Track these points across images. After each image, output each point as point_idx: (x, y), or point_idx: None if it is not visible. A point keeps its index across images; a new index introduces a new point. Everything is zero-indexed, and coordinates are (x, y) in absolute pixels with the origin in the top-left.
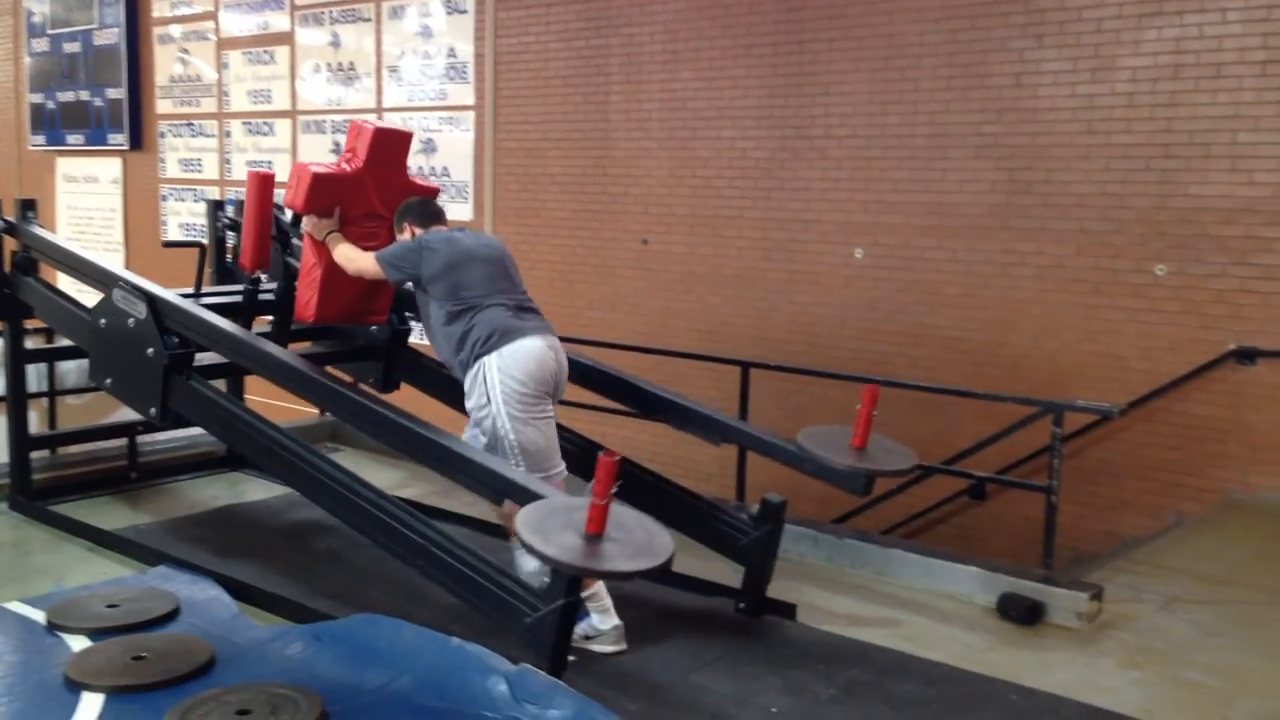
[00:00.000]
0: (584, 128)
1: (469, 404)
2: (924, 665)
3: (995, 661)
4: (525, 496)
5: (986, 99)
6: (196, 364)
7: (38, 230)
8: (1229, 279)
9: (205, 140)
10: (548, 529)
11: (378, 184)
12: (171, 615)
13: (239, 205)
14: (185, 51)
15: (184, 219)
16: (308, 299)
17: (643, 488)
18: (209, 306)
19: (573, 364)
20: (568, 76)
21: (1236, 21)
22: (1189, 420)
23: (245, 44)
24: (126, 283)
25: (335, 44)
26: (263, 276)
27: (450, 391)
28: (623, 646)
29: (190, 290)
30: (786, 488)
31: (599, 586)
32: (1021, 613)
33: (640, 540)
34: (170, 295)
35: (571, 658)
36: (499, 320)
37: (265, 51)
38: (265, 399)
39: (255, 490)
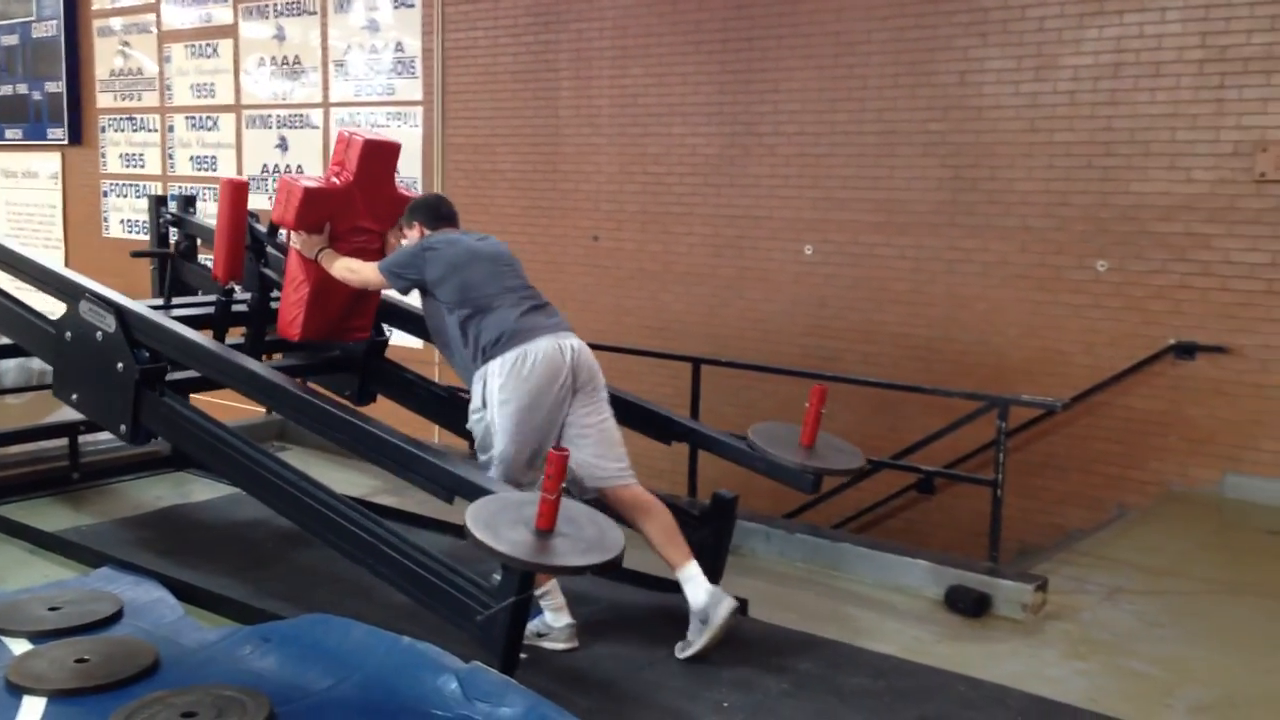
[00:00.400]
0: (534, 124)
1: (470, 405)
2: (873, 658)
3: (943, 653)
4: (474, 492)
5: (933, 97)
6: (168, 378)
7: None
8: (1169, 275)
9: (147, 135)
10: (498, 525)
11: (367, 197)
12: (115, 618)
13: (182, 200)
14: (126, 44)
15: (126, 215)
16: (293, 317)
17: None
18: (180, 319)
19: None
20: (517, 72)
21: (1175, 20)
22: (1130, 414)
23: (188, 37)
24: (93, 294)
25: (280, 37)
26: (236, 287)
27: (428, 404)
28: (575, 644)
29: (159, 301)
30: (738, 483)
31: (552, 584)
32: (969, 605)
33: (591, 535)
34: (140, 307)
35: (524, 655)
36: (508, 321)
37: (208, 45)
38: (209, 398)
39: (201, 490)
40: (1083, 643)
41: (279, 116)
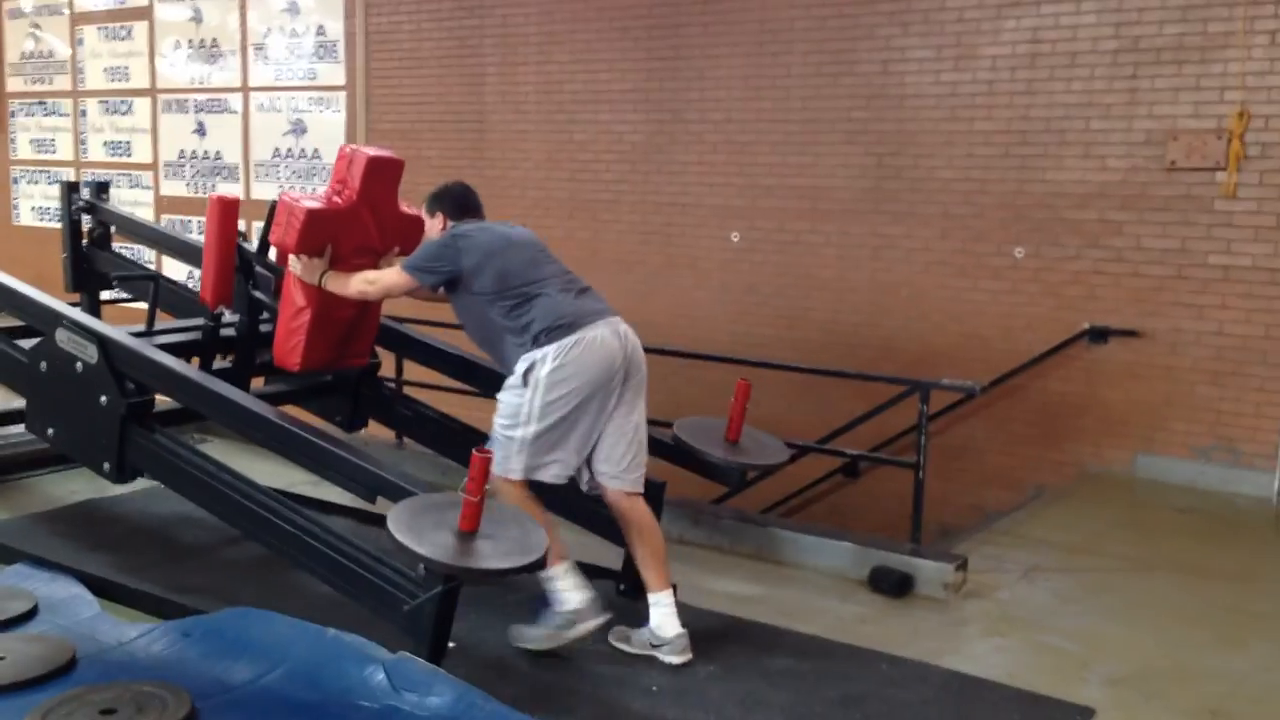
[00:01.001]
0: (459, 110)
1: (506, 382)
2: (799, 639)
3: (867, 632)
4: (396, 492)
5: (856, 85)
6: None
7: None
8: (1083, 261)
9: (59, 119)
10: (421, 527)
11: (374, 218)
12: (30, 614)
13: (95, 187)
14: (37, 27)
15: (37, 202)
16: (292, 345)
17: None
18: (165, 346)
19: (421, 345)
20: (441, 57)
21: (1090, 12)
22: (1047, 397)
23: (101, 19)
24: (72, 322)
25: (197, 19)
26: (225, 312)
27: (420, 428)
28: (689, 656)
29: (141, 328)
30: (666, 470)
31: (666, 594)
32: (891, 585)
33: (515, 537)
34: (123, 336)
35: (452, 644)
36: (561, 306)
37: (122, 27)
38: None
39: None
40: (1001, 620)
41: (196, 101)
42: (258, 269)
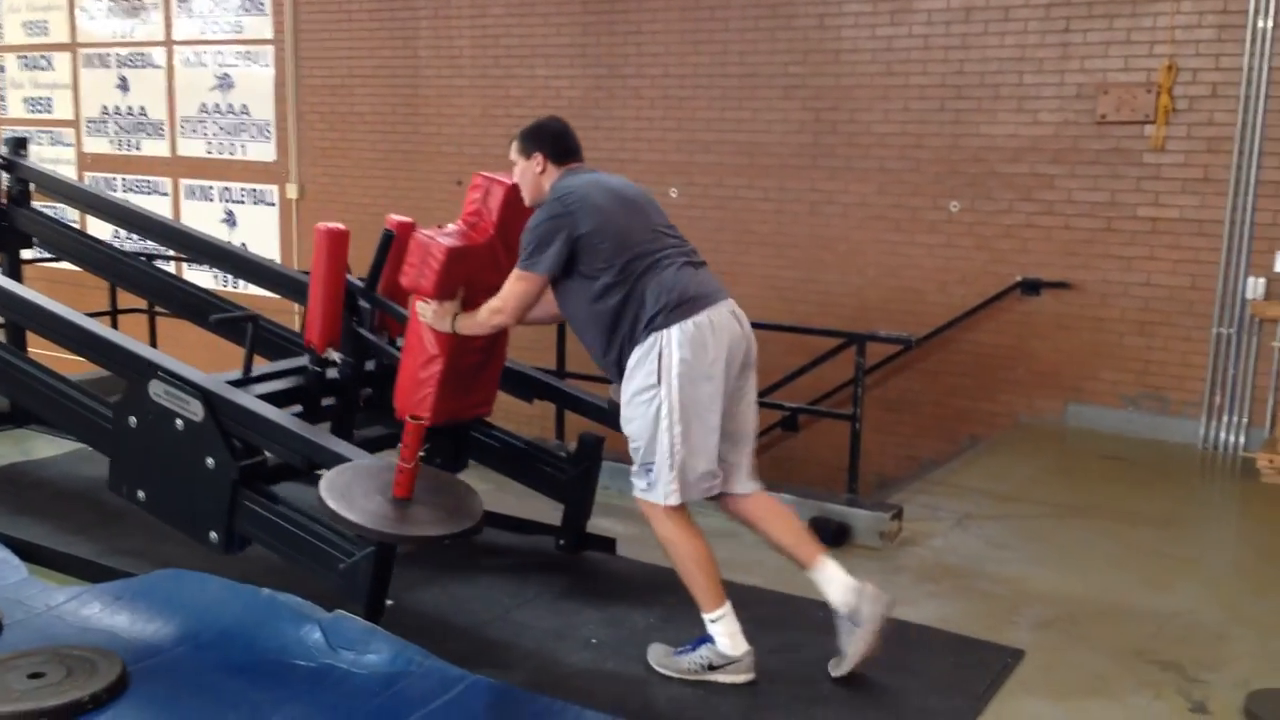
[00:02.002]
0: (392, 64)
1: (628, 387)
2: (737, 589)
3: (804, 581)
4: (331, 459)
5: (793, 40)
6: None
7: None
8: (1015, 215)
9: None
10: (353, 494)
11: (508, 254)
12: None
13: (13, 143)
14: None
15: None
16: (421, 397)
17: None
18: (268, 396)
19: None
20: (373, 10)
21: None
22: (980, 349)
23: None
24: (170, 374)
25: None
26: (335, 356)
27: (517, 463)
28: (752, 675)
29: (238, 374)
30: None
31: (728, 606)
32: (829, 535)
33: (450, 503)
34: (230, 391)
35: (390, 602)
36: (680, 282)
37: None
38: (50, 352)
39: (44, 447)
40: (935, 567)
41: (119, 56)
42: (361, 303)
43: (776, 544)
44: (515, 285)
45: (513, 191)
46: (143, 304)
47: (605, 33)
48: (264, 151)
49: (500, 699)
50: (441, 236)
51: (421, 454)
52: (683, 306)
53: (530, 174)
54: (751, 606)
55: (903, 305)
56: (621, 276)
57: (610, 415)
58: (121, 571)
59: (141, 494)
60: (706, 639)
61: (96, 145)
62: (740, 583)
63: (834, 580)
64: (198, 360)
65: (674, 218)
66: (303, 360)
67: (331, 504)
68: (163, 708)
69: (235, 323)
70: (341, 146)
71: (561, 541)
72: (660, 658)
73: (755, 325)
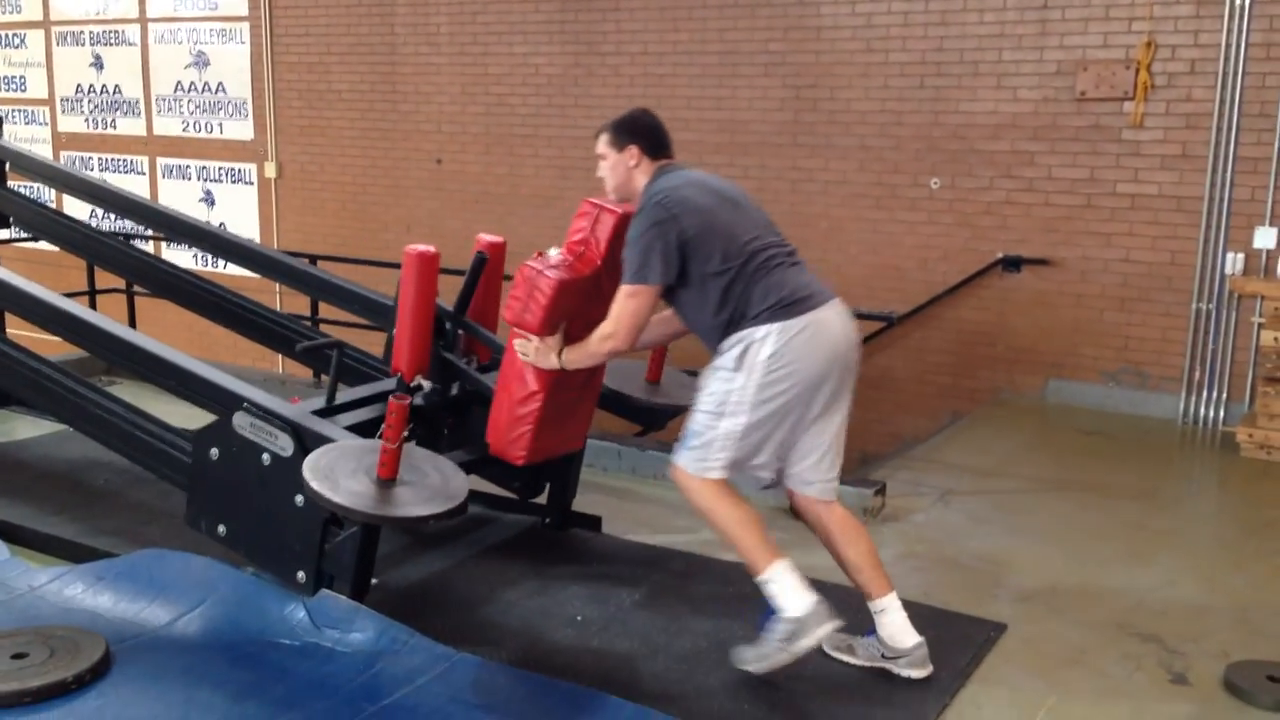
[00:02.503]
0: (369, 41)
1: (711, 364)
2: (722, 566)
3: (790, 558)
4: (315, 440)
5: (772, 16)
6: None
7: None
8: (996, 191)
9: None
10: (337, 474)
11: (613, 285)
12: None
13: None
14: None
15: None
16: (517, 435)
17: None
18: (354, 427)
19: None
20: None
21: None
22: (962, 326)
23: None
24: (258, 407)
25: None
26: (424, 384)
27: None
28: (836, 622)
29: (320, 402)
30: None
31: (782, 565)
32: None
33: (435, 483)
34: (315, 422)
35: (375, 580)
36: (789, 281)
37: None
38: (28, 332)
39: (24, 428)
40: (918, 541)
41: (93, 33)
42: (446, 326)
43: (846, 563)
44: (626, 303)
45: (623, 221)
46: (121, 284)
47: (584, 9)
48: (241, 130)
49: (486, 676)
50: (548, 269)
51: (405, 434)
52: (789, 306)
53: (623, 167)
54: (736, 583)
55: (884, 282)
56: (736, 277)
57: (629, 407)
58: (104, 552)
59: (222, 529)
60: (769, 613)
61: (71, 124)
62: (724, 559)
63: (898, 619)
64: (179, 340)
65: None
66: (386, 386)
67: (315, 485)
68: (146, 687)
69: (319, 350)
70: (319, 124)
71: (547, 520)
72: (744, 656)
73: None
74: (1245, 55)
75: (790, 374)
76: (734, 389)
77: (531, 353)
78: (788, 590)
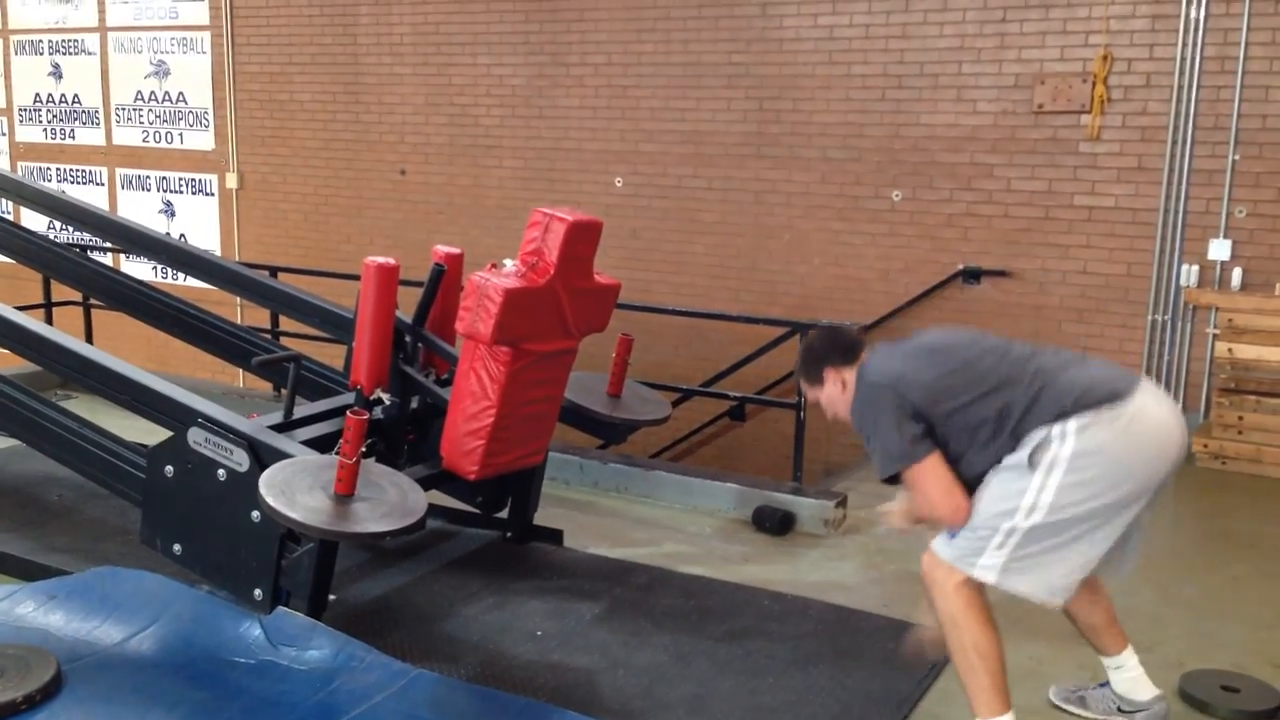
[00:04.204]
0: (332, 51)
1: (1006, 461)
2: (684, 579)
3: (750, 571)
4: (271, 455)
5: (736, 28)
6: None
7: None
8: (956, 204)
9: None
10: (293, 490)
11: (569, 295)
12: None
13: None
14: None
15: None
16: (470, 449)
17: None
18: (312, 442)
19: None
20: None
21: None
22: None
23: None
24: (213, 421)
25: None
26: (384, 397)
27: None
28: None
29: (278, 417)
30: None
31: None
32: (774, 524)
33: (393, 499)
34: (272, 437)
35: (332, 596)
36: (1077, 379)
37: None
38: None
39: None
40: (878, 554)
41: (51, 42)
42: (406, 339)
43: (1087, 624)
44: (923, 481)
45: (574, 229)
46: (78, 297)
47: (548, 20)
48: (202, 140)
49: (443, 692)
50: (499, 278)
51: (364, 449)
52: (1092, 399)
53: (837, 396)
54: (698, 596)
55: (847, 294)
56: (994, 400)
57: (590, 421)
58: (56, 569)
59: (177, 548)
60: (1105, 683)
61: (29, 134)
62: (685, 572)
63: (1136, 674)
64: (137, 354)
65: (618, 207)
66: (345, 400)
67: (271, 501)
68: (98, 707)
69: (277, 364)
70: (281, 135)
71: (508, 534)
72: None
73: (700, 315)
74: (1200, 69)
75: (1103, 469)
76: (1028, 487)
77: (894, 521)
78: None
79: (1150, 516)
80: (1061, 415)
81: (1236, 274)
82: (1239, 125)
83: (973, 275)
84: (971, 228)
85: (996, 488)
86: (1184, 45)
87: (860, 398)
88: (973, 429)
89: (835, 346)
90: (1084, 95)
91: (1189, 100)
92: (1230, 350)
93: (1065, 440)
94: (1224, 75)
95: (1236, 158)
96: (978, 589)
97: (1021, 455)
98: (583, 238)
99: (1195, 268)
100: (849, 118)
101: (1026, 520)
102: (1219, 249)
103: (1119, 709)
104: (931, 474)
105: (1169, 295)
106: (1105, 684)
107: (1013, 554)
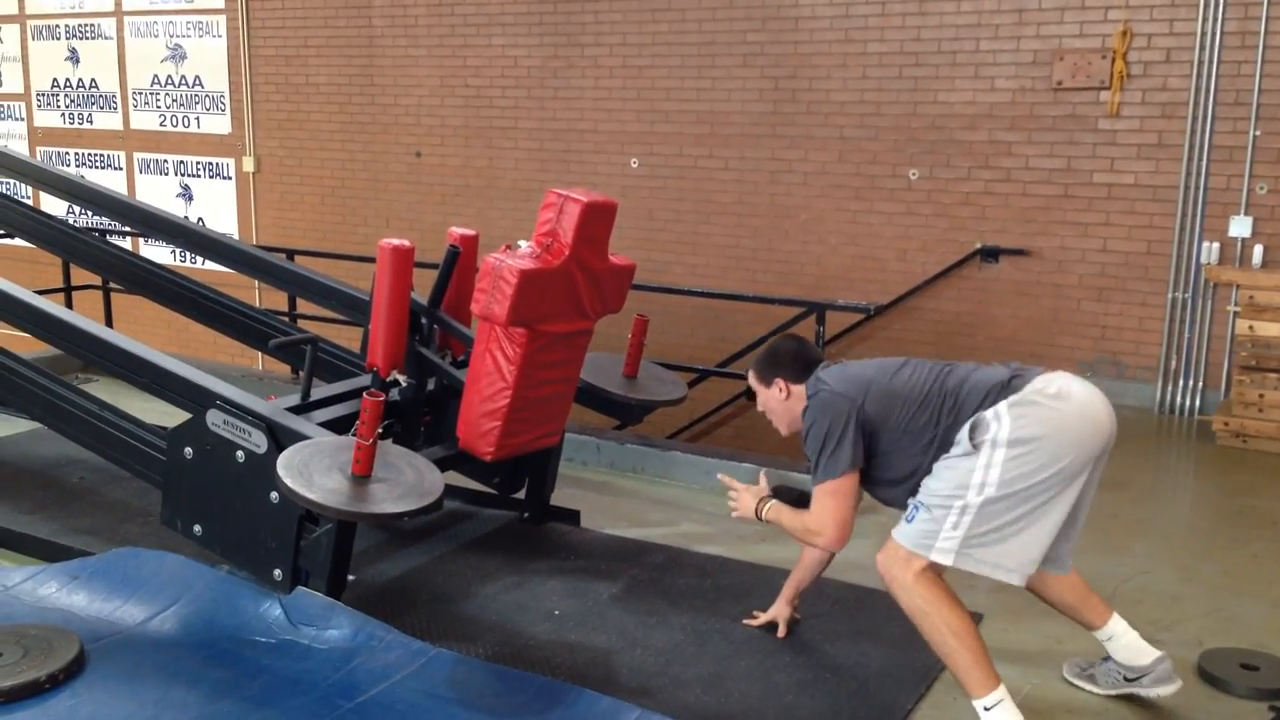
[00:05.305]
0: (347, 34)
1: (949, 453)
2: (700, 559)
3: (765, 551)
4: (288, 436)
5: (751, 6)
6: None
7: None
8: (974, 182)
9: None
10: (311, 471)
11: (585, 276)
12: None
13: None
14: None
15: None
16: (486, 430)
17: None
18: (330, 423)
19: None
20: None
21: None
22: (941, 316)
23: None
24: (230, 403)
25: None
26: (400, 379)
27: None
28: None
29: (295, 399)
30: None
31: (1002, 691)
32: (790, 502)
33: (410, 480)
34: (290, 419)
35: (351, 577)
36: (997, 373)
37: None
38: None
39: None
40: None
41: (68, 26)
42: (423, 320)
43: (1064, 607)
44: (826, 502)
45: (589, 209)
46: (98, 280)
47: (562, 0)
48: (219, 124)
49: (462, 671)
50: (514, 259)
51: (380, 430)
52: (1015, 383)
53: (774, 401)
54: (714, 575)
55: (863, 273)
56: (926, 428)
57: (606, 402)
58: (79, 550)
59: (198, 529)
60: (1107, 658)
61: (48, 119)
62: (702, 551)
63: (1128, 640)
64: (157, 337)
65: (634, 188)
66: (362, 382)
67: (289, 482)
68: (120, 687)
69: (293, 346)
70: (297, 118)
71: (525, 515)
72: None
73: (716, 295)
74: (1221, 44)
75: (1043, 443)
76: (975, 467)
77: (741, 506)
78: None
79: (1093, 494)
80: (991, 402)
81: (1258, 251)
82: (1260, 101)
83: (991, 254)
84: (989, 206)
85: (945, 472)
86: (1204, 20)
87: (818, 404)
88: (916, 434)
89: (797, 361)
90: (1103, 71)
91: (1209, 75)
92: (1251, 328)
93: (1001, 420)
94: (1245, 50)
95: (1258, 133)
96: (937, 573)
97: (964, 440)
98: (598, 218)
99: (1216, 245)
100: (865, 96)
101: (978, 496)
102: (1240, 226)
103: (1125, 678)
104: (840, 501)
105: (1189, 273)
106: (1108, 658)
107: (968, 532)
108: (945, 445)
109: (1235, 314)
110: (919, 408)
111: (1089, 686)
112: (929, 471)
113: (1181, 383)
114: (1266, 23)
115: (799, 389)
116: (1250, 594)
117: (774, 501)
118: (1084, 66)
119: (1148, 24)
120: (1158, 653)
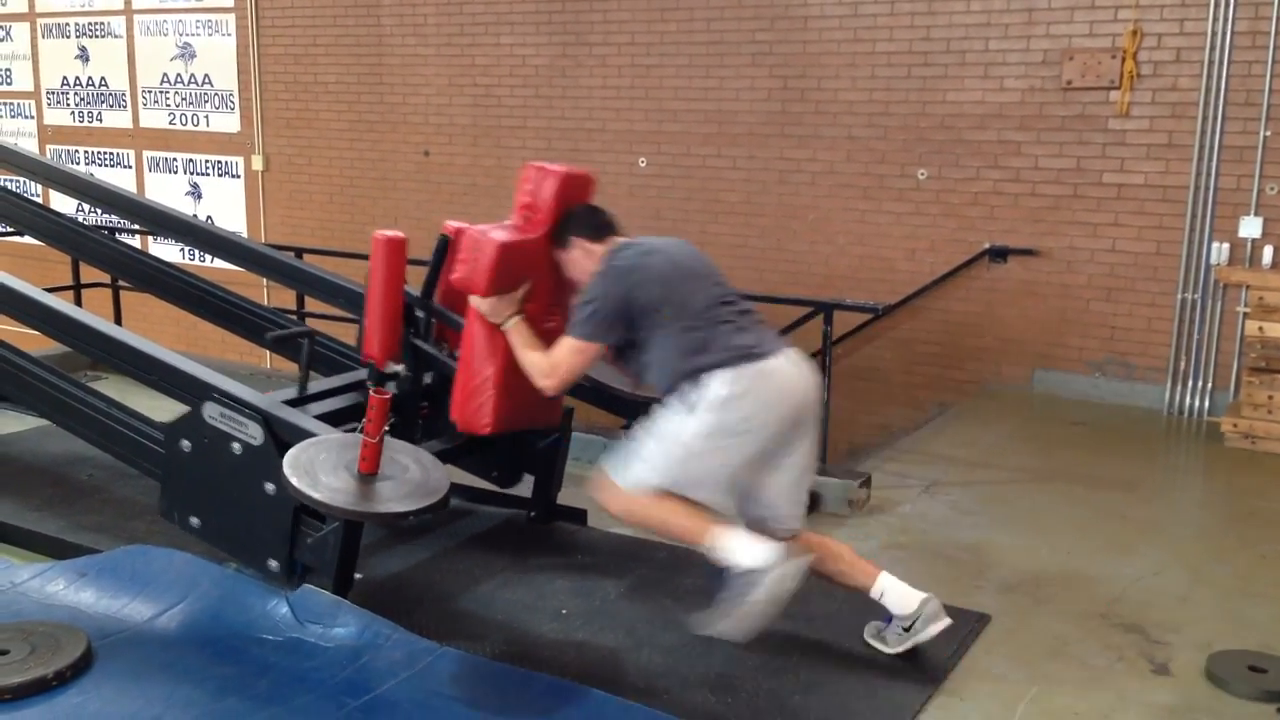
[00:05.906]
0: (356, 32)
1: (666, 399)
2: (708, 559)
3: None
4: (284, 428)
5: (759, 5)
6: None
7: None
8: (983, 182)
9: None
10: (317, 470)
11: None
12: None
13: None
14: None
15: None
16: (478, 405)
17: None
18: (326, 416)
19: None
20: None
21: None
22: (949, 317)
23: None
24: (227, 395)
25: None
26: (397, 369)
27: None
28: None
29: (293, 392)
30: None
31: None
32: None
33: (416, 478)
34: (286, 411)
35: (358, 575)
36: (742, 337)
37: None
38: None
39: (6, 423)
40: (903, 533)
41: (78, 25)
42: (416, 312)
43: (834, 575)
44: (568, 356)
45: (568, 181)
46: (106, 278)
47: (570, 0)
48: (228, 122)
49: (469, 670)
50: (494, 230)
51: (386, 428)
52: (740, 357)
53: (578, 262)
54: (722, 574)
55: (871, 273)
56: (681, 336)
57: (578, 385)
58: (87, 548)
59: (195, 520)
60: (720, 578)
61: (57, 117)
62: None
63: (895, 593)
64: (165, 335)
65: (642, 188)
66: (359, 375)
67: (295, 481)
68: (127, 684)
69: (290, 339)
70: (306, 117)
71: (533, 514)
72: (715, 625)
73: None
74: (1231, 44)
75: (743, 413)
76: (679, 425)
77: (488, 307)
78: (738, 546)
79: (808, 464)
80: (720, 365)
81: (1268, 252)
82: (1270, 101)
83: (999, 254)
84: (998, 206)
85: (659, 422)
86: (1214, 20)
87: (602, 270)
88: (665, 345)
89: (588, 222)
90: (1113, 71)
91: (1220, 76)
92: (1261, 329)
93: (709, 385)
94: (1255, 50)
95: (1268, 134)
96: (665, 493)
97: (684, 393)
98: (576, 190)
99: (1226, 245)
100: (874, 95)
101: (679, 444)
102: (1250, 226)
103: (904, 629)
104: (579, 360)
105: (1199, 273)
106: (890, 617)
107: (680, 471)
108: (684, 356)
109: (1245, 315)
110: (687, 323)
111: (881, 646)
112: (668, 370)
113: (1190, 384)
114: (1277, 23)
115: (597, 249)
116: (1259, 596)
117: (521, 320)
118: (1094, 66)
119: (1158, 23)
120: (923, 594)
